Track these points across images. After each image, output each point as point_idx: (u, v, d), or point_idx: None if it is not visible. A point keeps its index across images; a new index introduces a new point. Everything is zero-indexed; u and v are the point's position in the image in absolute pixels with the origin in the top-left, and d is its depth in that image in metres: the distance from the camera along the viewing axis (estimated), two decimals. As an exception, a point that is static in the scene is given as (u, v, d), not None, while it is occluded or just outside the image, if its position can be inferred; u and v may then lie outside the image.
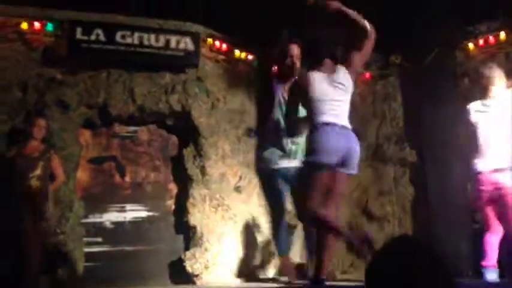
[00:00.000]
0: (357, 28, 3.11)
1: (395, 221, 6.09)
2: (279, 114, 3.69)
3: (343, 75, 3.16)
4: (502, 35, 5.52)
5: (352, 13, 3.10)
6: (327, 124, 3.02)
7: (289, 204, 3.99)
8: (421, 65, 5.84)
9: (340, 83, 3.13)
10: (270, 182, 3.76)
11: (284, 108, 3.62)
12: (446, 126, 5.76)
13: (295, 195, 3.73)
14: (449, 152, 5.66)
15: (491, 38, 5.62)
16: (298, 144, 3.70)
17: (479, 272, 4.10)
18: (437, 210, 5.64)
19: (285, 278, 4.09)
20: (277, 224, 3.85)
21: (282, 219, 3.83)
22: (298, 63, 3.72)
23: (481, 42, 5.68)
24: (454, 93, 5.86)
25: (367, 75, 6.44)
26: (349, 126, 3.13)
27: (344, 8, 3.08)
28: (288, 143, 3.69)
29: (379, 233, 6.08)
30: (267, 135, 3.78)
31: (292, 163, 3.69)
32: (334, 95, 3.10)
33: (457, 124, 5.77)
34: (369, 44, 3.19)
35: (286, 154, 3.70)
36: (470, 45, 5.75)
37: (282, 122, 3.67)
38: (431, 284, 1.13)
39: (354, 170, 3.13)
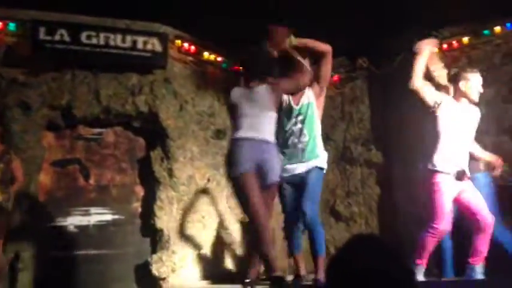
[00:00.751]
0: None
1: (362, 221, 6.16)
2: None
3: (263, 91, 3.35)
4: (465, 39, 5.68)
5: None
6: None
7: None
8: (388, 68, 5.93)
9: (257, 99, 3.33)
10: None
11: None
12: (412, 129, 5.86)
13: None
14: (414, 153, 5.76)
15: (454, 43, 5.77)
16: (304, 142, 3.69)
17: (442, 270, 4.22)
18: (403, 211, 5.73)
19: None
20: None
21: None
22: None
23: (444, 46, 5.82)
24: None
25: (336, 77, 6.50)
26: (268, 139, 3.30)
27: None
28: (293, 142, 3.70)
29: (346, 233, 6.14)
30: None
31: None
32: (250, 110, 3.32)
33: (422, 127, 5.90)
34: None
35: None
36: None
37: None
38: (392, 282, 1.13)
39: (271, 180, 3.30)
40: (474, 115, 3.91)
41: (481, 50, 5.64)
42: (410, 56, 5.90)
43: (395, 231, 5.67)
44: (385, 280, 1.13)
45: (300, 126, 3.67)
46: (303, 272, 3.86)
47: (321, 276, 3.51)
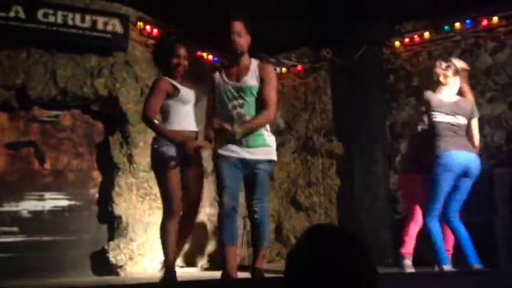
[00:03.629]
0: None
1: (322, 211, 6.23)
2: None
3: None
4: (426, 34, 5.79)
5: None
6: None
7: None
8: (351, 60, 5.98)
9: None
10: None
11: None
12: (373, 121, 5.95)
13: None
14: (374, 146, 5.86)
15: (416, 37, 5.87)
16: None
17: (398, 260, 4.31)
18: (361, 201, 5.82)
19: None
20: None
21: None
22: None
23: (406, 40, 5.92)
24: (381, 89, 6.06)
25: (299, 68, 6.52)
26: None
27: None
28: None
29: (306, 222, 6.20)
30: None
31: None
32: None
33: (383, 119, 6.00)
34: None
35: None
36: (397, 43, 5.98)
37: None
38: (353, 270, 1.13)
39: None
40: None
41: (441, 45, 5.77)
42: (373, 48, 6.04)
43: (353, 221, 5.75)
44: (346, 265, 1.12)
45: (240, 111, 3.25)
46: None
47: (261, 264, 3.38)
